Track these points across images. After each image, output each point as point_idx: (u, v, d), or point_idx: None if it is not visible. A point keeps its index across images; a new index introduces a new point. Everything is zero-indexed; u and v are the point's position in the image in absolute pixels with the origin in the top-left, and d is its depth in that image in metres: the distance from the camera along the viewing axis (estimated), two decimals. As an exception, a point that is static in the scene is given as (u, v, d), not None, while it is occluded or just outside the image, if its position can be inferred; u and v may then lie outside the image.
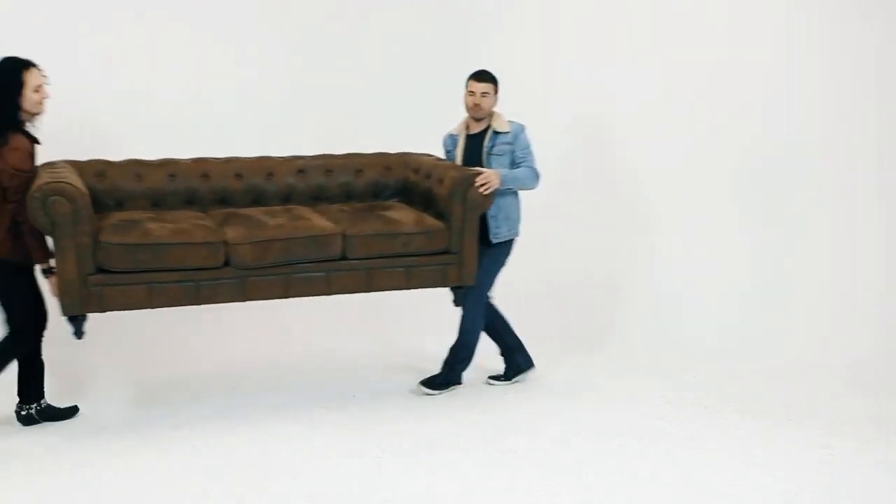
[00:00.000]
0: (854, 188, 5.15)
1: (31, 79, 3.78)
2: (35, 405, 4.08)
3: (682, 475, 3.46)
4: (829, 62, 5.22)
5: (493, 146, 4.36)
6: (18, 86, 3.76)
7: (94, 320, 4.30)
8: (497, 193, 4.28)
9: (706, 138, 5.46)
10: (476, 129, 4.44)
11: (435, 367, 4.57)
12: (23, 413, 4.06)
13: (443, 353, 4.53)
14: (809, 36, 5.26)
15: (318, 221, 4.16)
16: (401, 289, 4.27)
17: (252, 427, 4.04)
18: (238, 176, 4.51)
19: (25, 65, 3.79)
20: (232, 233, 3.98)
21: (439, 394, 4.44)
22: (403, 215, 4.31)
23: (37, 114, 3.85)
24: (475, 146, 4.42)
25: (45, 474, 3.57)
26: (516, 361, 4.61)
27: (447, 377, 4.49)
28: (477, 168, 4.32)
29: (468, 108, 4.37)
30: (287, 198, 4.59)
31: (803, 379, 4.55)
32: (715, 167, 5.46)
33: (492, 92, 4.33)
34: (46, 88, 3.85)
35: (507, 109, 4.43)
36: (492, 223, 4.36)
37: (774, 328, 5.07)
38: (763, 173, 5.37)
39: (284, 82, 5.66)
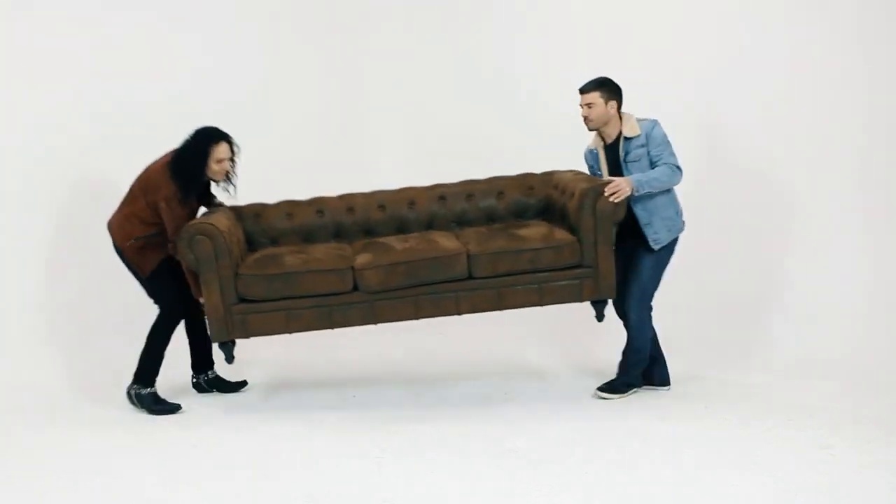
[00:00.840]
0: (853, 188, 5.14)
1: (216, 152, 4.15)
2: (203, 375, 4.56)
3: (682, 475, 3.46)
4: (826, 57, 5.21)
5: (627, 153, 4.15)
6: (204, 156, 4.13)
7: (89, 321, 4.30)
8: (643, 198, 4.11)
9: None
10: (610, 138, 4.23)
11: (429, 366, 4.56)
12: (195, 381, 4.58)
13: (443, 351, 4.53)
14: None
15: (444, 242, 4.17)
16: (534, 305, 4.22)
17: (252, 427, 4.04)
18: (381, 207, 4.65)
19: (216, 139, 4.17)
20: (360, 259, 4.11)
21: (619, 397, 4.30)
22: (532, 231, 4.24)
23: (218, 181, 4.23)
24: (614, 156, 4.22)
25: (46, 474, 3.58)
26: (651, 373, 4.45)
27: (624, 380, 4.36)
28: (606, 178, 4.16)
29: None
30: (429, 225, 4.66)
31: (803, 379, 4.55)
32: (718, 169, 5.45)
33: (597, 101, 4.12)
34: (228, 163, 4.21)
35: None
36: (648, 231, 4.17)
37: (774, 328, 5.06)
38: (759, 173, 5.36)
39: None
